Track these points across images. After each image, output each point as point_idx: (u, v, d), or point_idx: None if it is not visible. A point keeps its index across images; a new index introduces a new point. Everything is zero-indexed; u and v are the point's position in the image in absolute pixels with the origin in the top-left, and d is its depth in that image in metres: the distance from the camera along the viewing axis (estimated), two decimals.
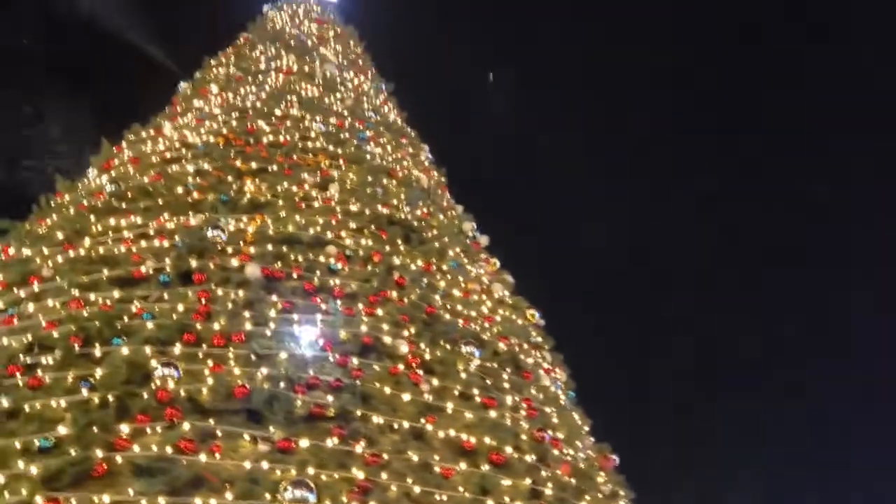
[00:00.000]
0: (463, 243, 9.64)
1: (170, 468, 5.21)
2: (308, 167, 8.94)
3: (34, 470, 5.08)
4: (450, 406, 6.61)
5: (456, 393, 6.81)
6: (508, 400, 7.17)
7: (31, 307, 6.50)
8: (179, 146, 8.97)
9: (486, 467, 6.23)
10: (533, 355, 8.32)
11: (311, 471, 5.41)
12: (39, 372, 5.84)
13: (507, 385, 7.42)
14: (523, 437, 6.83)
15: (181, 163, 8.61)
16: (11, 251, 7.48)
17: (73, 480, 5.10)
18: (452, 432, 6.39)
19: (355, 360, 6.51)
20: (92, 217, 7.66)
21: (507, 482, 6.24)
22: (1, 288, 6.91)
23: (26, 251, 7.30)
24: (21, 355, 5.98)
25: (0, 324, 6.41)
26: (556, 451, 7.12)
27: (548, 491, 6.57)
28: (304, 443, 5.64)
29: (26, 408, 5.57)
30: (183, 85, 11.29)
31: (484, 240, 10.37)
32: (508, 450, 6.49)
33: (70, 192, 8.52)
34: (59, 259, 7.05)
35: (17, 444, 5.29)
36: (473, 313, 8.12)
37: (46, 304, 6.50)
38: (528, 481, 6.40)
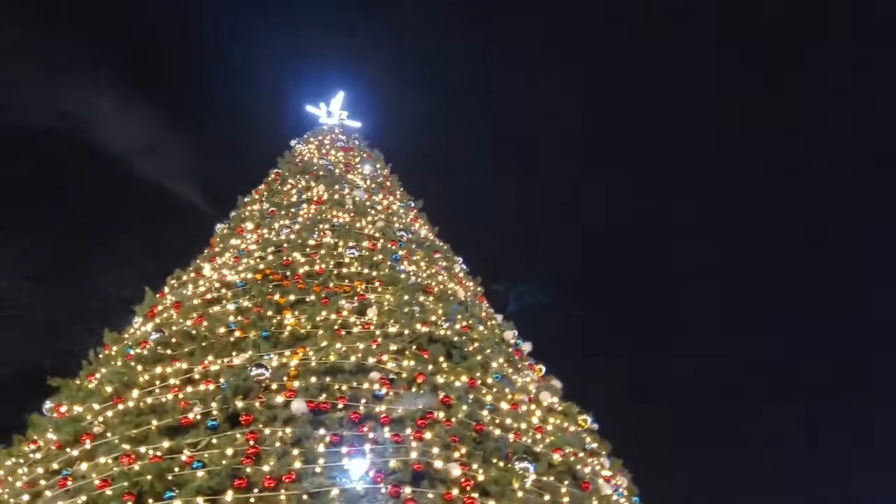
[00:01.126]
0: (506, 353, 9.55)
1: None
2: (345, 293, 9.07)
3: None
4: None
5: None
6: None
7: (84, 466, 6.55)
8: (219, 286, 9.19)
9: None
10: (590, 464, 8.05)
11: None
12: None
13: (566, 499, 7.16)
14: None
15: (222, 303, 8.80)
16: (64, 409, 7.60)
17: None
18: None
19: (408, 490, 6.37)
20: (139, 367, 7.79)
21: None
22: (55, 449, 6.99)
23: (77, 408, 7.42)
24: None
25: (56, 486, 6.44)
26: None
27: None
28: None
29: None
30: (219, 226, 11.68)
31: (527, 346, 10.27)
32: None
33: (117, 344, 8.71)
34: (109, 414, 7.15)
35: None
36: (524, 425, 7.95)
37: (99, 461, 6.54)
38: None
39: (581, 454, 8.08)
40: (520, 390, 8.74)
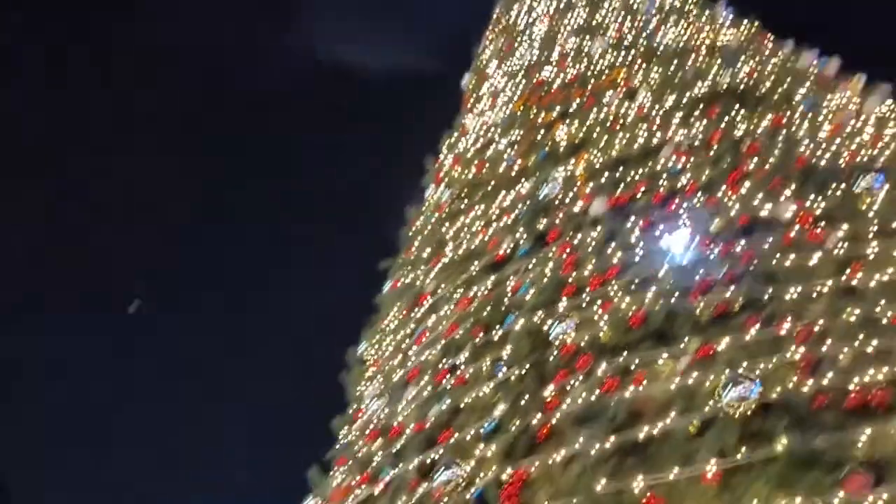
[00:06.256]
0: (808, 79, 8.39)
1: (604, 411, 5.20)
2: (607, 87, 8.57)
3: (493, 450, 5.43)
4: (871, 249, 5.64)
5: (871, 233, 5.81)
6: None
7: (431, 319, 7.13)
8: (485, 130, 9.24)
9: None
10: None
11: (743, 367, 4.97)
12: (460, 370, 6.32)
13: None
14: None
15: (493, 144, 8.84)
16: (399, 283, 8.32)
17: (526, 450, 5.34)
18: (887, 276, 5.42)
19: (740, 245, 5.91)
20: (445, 226, 8.20)
21: None
22: (405, 314, 7.71)
23: (408, 278, 8.07)
24: (441, 363, 6.54)
25: (415, 343, 7.13)
26: None
27: None
28: (723, 344, 5.22)
29: (464, 403, 6.04)
30: (465, 80, 11.62)
31: (833, 64, 8.90)
32: None
33: (420, 216, 9.23)
34: (435, 271, 7.65)
35: (470, 435, 5.74)
36: (855, 143, 6.93)
37: (441, 312, 7.06)
38: None
39: None
40: (839, 109, 7.63)
